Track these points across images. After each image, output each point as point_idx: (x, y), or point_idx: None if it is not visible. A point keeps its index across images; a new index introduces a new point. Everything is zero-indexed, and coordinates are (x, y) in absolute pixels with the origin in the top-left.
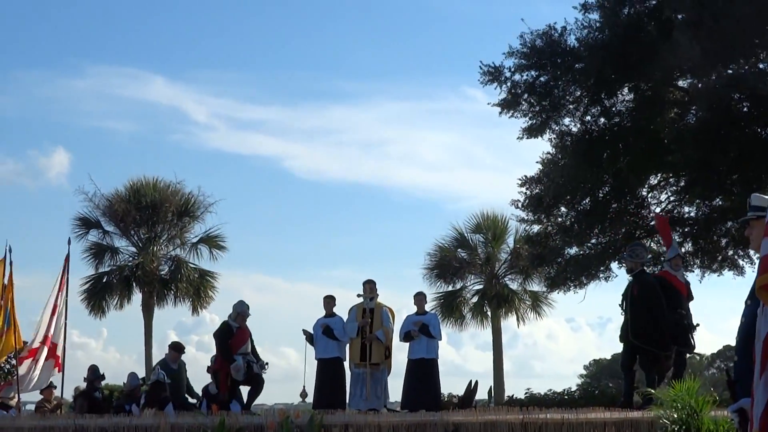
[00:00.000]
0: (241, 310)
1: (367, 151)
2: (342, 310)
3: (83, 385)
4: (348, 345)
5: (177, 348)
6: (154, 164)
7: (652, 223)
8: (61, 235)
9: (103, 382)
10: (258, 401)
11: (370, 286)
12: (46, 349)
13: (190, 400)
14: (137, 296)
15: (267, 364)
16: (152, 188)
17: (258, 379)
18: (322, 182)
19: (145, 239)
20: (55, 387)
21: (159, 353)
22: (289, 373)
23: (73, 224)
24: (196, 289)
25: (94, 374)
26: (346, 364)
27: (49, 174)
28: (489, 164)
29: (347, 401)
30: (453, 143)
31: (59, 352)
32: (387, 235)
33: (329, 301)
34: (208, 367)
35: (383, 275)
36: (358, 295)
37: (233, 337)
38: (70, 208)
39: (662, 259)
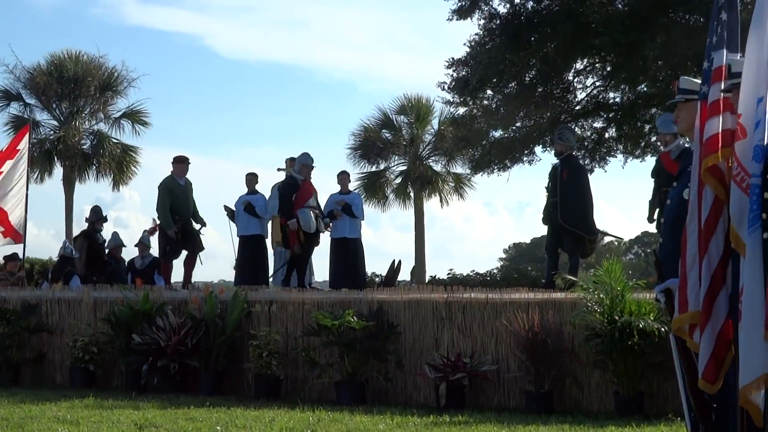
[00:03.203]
0: (305, 162)
1: (290, 30)
2: (264, 188)
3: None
4: (270, 223)
5: (182, 160)
6: (75, 38)
7: (577, 107)
8: None
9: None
10: (180, 278)
11: (291, 164)
12: None
13: (195, 225)
14: (58, 170)
15: (329, 221)
16: (74, 62)
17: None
18: (245, 61)
19: (67, 113)
20: (20, 260)
21: (78, 228)
22: (208, 251)
23: None
24: (119, 164)
25: (96, 215)
26: (268, 241)
27: None
28: (413, 46)
29: (270, 279)
30: (377, 24)
31: (15, 223)
32: (310, 114)
33: (251, 178)
34: (281, 219)
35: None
36: (279, 169)
37: (298, 190)
38: None
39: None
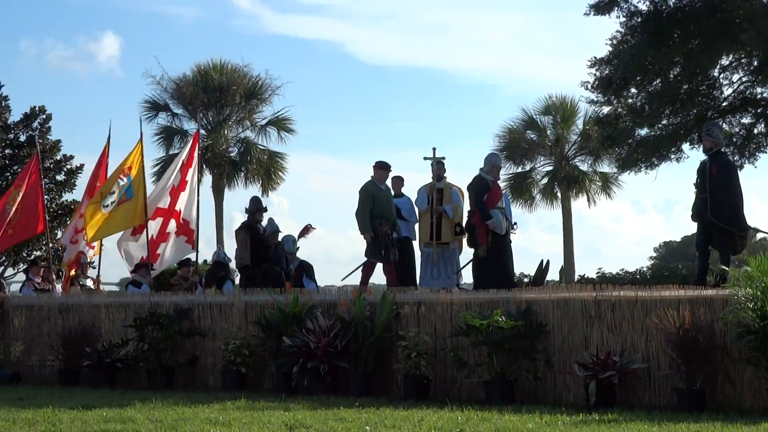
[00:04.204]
0: (495, 162)
1: (431, 34)
2: (410, 192)
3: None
4: (417, 225)
5: (384, 166)
6: (219, 48)
7: (724, 104)
8: (119, 119)
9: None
10: (328, 282)
11: (438, 166)
12: (174, 223)
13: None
14: (207, 178)
15: (515, 224)
16: (219, 71)
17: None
18: (387, 66)
19: (214, 122)
20: (193, 265)
21: (228, 235)
22: (356, 255)
23: (141, 107)
24: (266, 170)
25: (256, 205)
26: (416, 244)
27: (99, 59)
28: (554, 47)
29: (418, 281)
30: (517, 26)
31: (193, 227)
32: (452, 118)
33: (397, 181)
34: (467, 222)
35: (451, 157)
36: (425, 158)
37: (489, 191)
38: (125, 92)
39: None
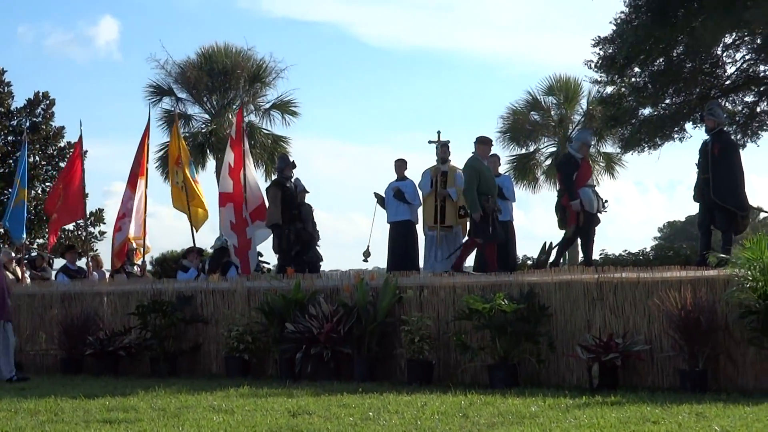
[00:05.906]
0: (585, 140)
1: (436, 14)
2: (413, 175)
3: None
4: (421, 208)
5: (487, 141)
6: (223, 32)
7: (727, 82)
8: (119, 104)
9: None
10: (332, 267)
11: (443, 148)
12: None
13: None
14: (211, 163)
15: (606, 202)
16: (224, 54)
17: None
18: (392, 48)
19: (218, 106)
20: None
21: None
22: (359, 239)
23: (145, 92)
24: (270, 154)
25: (284, 162)
26: (419, 227)
27: (98, 43)
28: (560, 25)
29: (422, 264)
30: (521, 4)
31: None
32: (458, 99)
33: (401, 164)
34: (556, 202)
35: (455, 139)
36: (430, 142)
37: (578, 169)
38: (124, 76)
39: None
